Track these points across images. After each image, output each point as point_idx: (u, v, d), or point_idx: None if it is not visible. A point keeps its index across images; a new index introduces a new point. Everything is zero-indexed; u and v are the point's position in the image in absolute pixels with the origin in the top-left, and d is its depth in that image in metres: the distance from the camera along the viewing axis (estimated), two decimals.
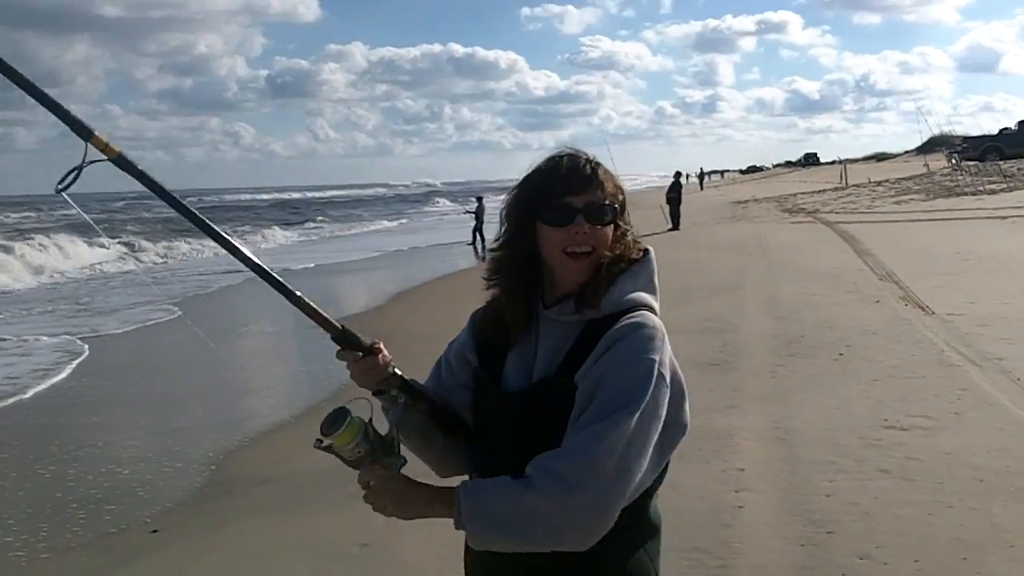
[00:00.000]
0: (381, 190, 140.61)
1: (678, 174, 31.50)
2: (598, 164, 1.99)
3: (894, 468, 5.71)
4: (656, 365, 1.84)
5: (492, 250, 2.07)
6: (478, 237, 28.52)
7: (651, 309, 1.97)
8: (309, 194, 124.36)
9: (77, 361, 12.08)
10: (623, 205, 1.99)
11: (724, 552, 4.65)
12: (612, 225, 1.96)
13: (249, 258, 1.92)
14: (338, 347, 1.97)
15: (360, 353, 1.96)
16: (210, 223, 1.90)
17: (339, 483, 6.19)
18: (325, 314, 1.94)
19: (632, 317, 1.90)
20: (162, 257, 31.88)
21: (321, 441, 1.89)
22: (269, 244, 38.06)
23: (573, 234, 1.92)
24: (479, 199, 30.44)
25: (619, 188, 1.99)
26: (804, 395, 7.63)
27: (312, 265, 26.21)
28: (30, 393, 10.29)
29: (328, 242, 38.98)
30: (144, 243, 35.23)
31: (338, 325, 1.95)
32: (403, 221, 54.92)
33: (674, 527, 4.87)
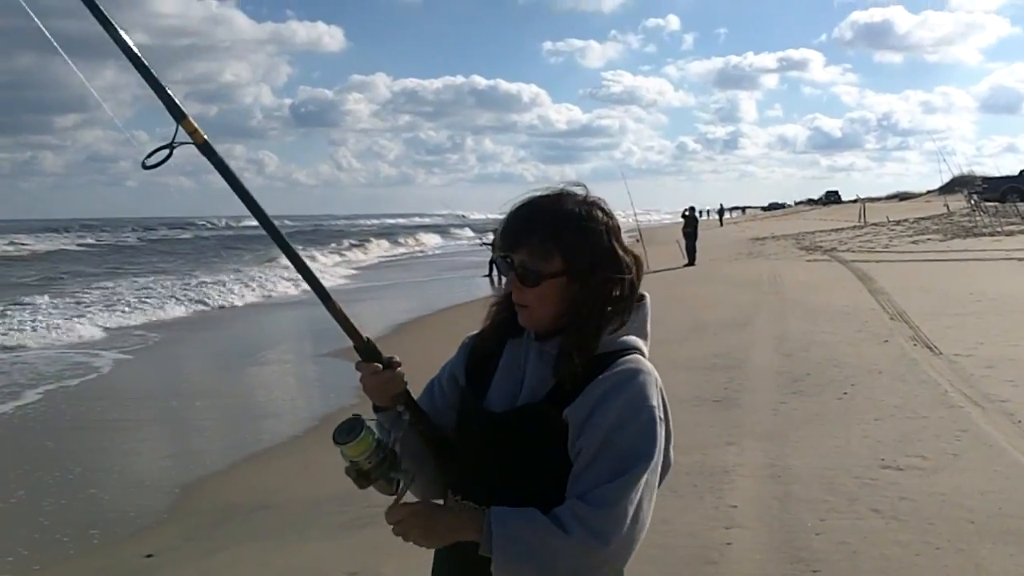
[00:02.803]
0: (416, 219, 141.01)
1: (692, 209, 31.50)
2: (552, 219, 1.96)
3: (886, 508, 5.69)
4: (656, 412, 1.92)
5: None
6: (494, 268, 28.64)
7: (641, 353, 2.01)
8: (358, 222, 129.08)
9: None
10: (581, 269, 1.94)
11: None
12: (553, 284, 1.94)
13: (300, 259, 2.03)
14: (359, 358, 2.02)
15: (380, 366, 2.01)
16: (271, 220, 2.02)
17: (331, 511, 6.30)
18: (354, 323, 2.01)
19: (627, 362, 1.95)
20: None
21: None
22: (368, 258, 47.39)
23: (514, 287, 2.00)
24: (495, 231, 30.65)
25: (576, 249, 1.94)
26: (804, 433, 7.62)
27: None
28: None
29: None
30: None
31: (364, 336, 2.02)
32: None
33: (662, 562, 4.92)
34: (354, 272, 36.97)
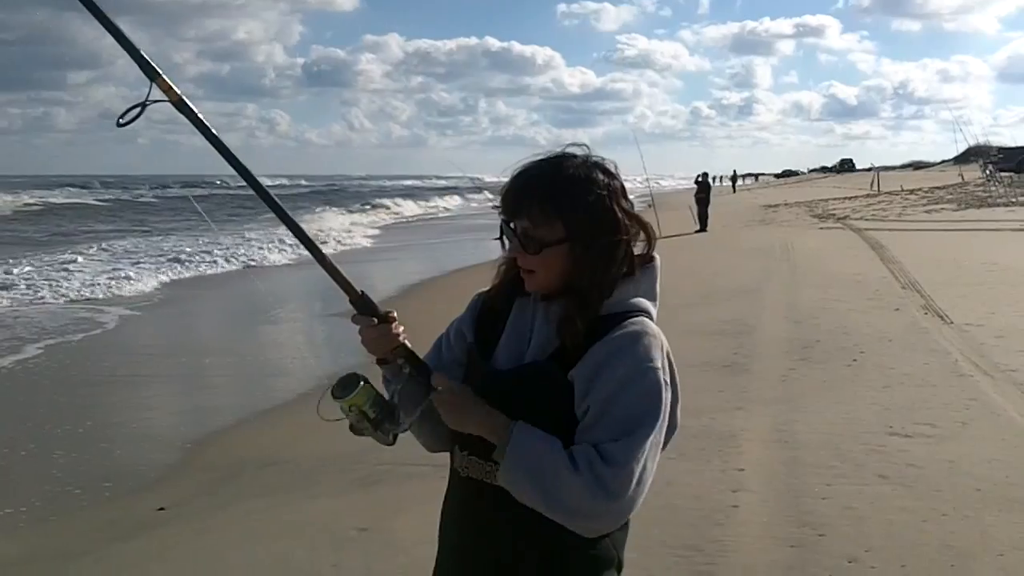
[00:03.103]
0: (441, 181, 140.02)
1: (705, 175, 31.32)
2: (552, 185, 1.96)
3: (893, 474, 5.72)
4: (661, 374, 1.93)
5: None
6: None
7: (648, 315, 2.02)
8: (375, 183, 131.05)
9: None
10: (583, 234, 1.94)
11: (714, 550, 4.69)
12: (555, 251, 1.95)
13: (287, 215, 2.05)
14: (355, 311, 2.06)
15: (375, 319, 2.05)
16: (253, 174, 2.03)
17: (342, 468, 6.36)
18: (347, 277, 2.03)
19: (632, 324, 1.96)
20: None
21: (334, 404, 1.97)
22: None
23: (517, 254, 2.01)
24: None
25: (577, 215, 1.94)
26: (812, 400, 7.64)
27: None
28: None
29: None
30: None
31: (358, 290, 2.04)
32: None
33: (668, 524, 4.96)
34: (378, 232, 36.69)
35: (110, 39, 1.96)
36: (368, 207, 54.86)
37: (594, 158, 2.02)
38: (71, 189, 77.52)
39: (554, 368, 1.96)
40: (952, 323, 10.72)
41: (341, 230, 35.00)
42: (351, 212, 47.50)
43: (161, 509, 6.01)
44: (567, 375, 1.94)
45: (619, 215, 1.97)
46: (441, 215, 53.80)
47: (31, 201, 56.08)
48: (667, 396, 1.94)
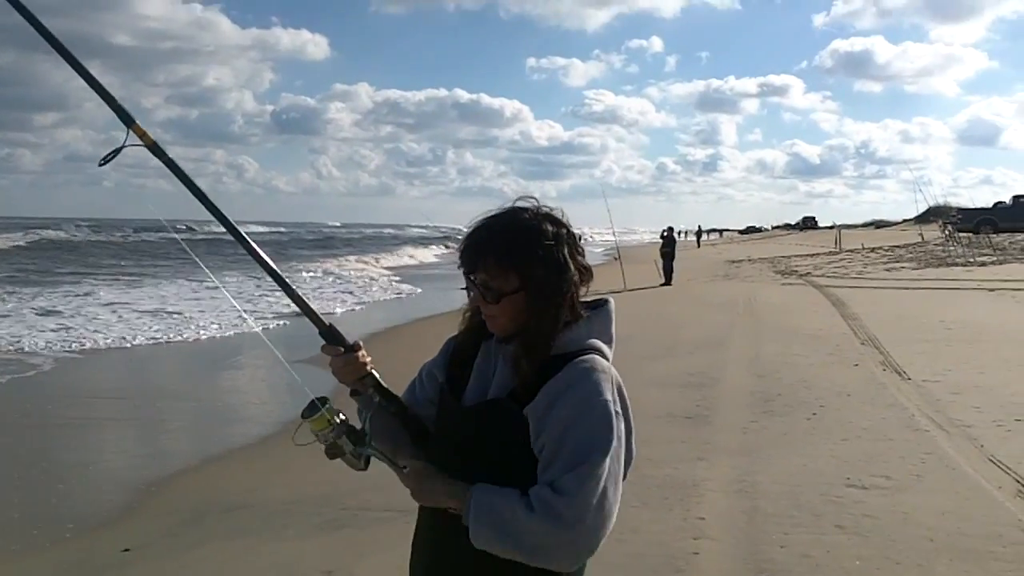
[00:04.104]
0: (416, 230, 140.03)
1: (671, 230, 31.69)
2: (505, 240, 2.11)
3: (849, 524, 5.85)
4: (611, 404, 2.05)
5: None
6: None
7: (601, 354, 2.15)
8: (353, 231, 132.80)
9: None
10: (536, 283, 2.09)
11: None
12: (512, 299, 2.11)
13: (257, 252, 2.24)
14: (323, 342, 2.23)
15: (342, 349, 2.21)
16: (227, 217, 2.24)
17: (307, 512, 6.38)
18: (315, 309, 2.22)
19: (583, 362, 2.09)
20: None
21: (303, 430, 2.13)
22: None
23: (479, 303, 2.17)
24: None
25: (530, 266, 2.09)
26: (773, 451, 7.77)
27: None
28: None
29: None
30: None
31: (326, 322, 2.22)
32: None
33: (631, 570, 5.05)
34: (396, 280, 36.26)
35: (78, 81, 2.13)
36: (391, 254, 56.81)
37: (544, 209, 2.18)
38: (49, 231, 76.72)
39: (511, 405, 2.09)
40: (910, 379, 10.93)
41: (381, 277, 35.63)
42: (367, 263, 47.75)
43: (126, 550, 6.00)
44: (523, 411, 2.07)
45: (565, 262, 2.13)
46: (447, 261, 54.02)
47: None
48: (619, 425, 2.06)
